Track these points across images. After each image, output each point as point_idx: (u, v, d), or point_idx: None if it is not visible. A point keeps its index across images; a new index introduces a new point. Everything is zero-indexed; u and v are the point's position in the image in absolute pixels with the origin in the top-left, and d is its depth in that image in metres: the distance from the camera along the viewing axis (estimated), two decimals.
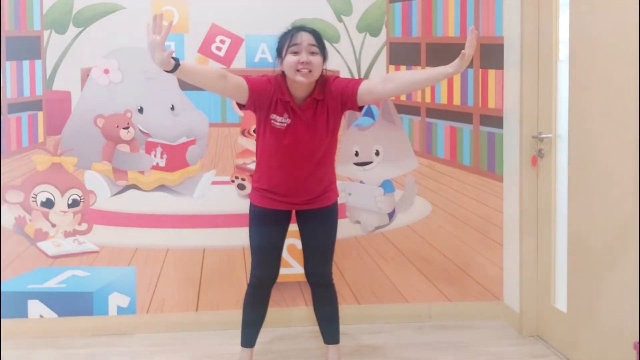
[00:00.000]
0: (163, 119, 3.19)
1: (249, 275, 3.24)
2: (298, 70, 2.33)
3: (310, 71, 2.33)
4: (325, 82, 2.45)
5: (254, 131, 3.23)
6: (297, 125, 2.41)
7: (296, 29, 2.38)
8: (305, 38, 2.34)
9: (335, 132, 2.51)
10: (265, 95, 2.39)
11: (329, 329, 2.69)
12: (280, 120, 2.41)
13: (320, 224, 2.57)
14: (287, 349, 3.00)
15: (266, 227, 2.54)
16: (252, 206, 2.57)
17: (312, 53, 2.34)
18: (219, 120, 3.24)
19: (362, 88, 2.40)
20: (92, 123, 3.14)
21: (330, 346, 2.70)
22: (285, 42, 2.36)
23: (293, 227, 2.63)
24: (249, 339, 2.66)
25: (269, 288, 2.62)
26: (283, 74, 2.42)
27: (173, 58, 2.14)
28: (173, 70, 2.16)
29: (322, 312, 2.68)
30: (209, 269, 3.26)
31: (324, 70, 2.45)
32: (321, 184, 2.52)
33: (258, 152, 2.54)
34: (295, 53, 2.33)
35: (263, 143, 2.48)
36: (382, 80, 2.42)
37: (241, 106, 2.46)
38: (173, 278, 3.24)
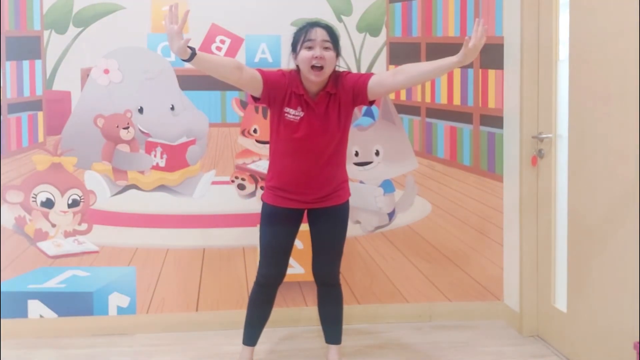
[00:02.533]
0: (163, 119, 3.19)
1: (249, 275, 3.26)
2: (312, 68, 2.37)
3: (322, 69, 2.37)
4: (338, 77, 2.48)
5: (254, 131, 3.25)
6: (310, 119, 2.43)
7: (310, 25, 2.42)
8: (319, 34, 2.38)
9: (347, 129, 2.53)
10: (280, 88, 2.43)
11: (332, 329, 2.70)
12: (293, 113, 2.44)
13: (330, 223, 2.58)
14: (287, 349, 3.00)
15: (277, 226, 2.55)
16: (264, 205, 2.58)
17: (326, 48, 2.38)
18: (219, 120, 3.24)
19: (373, 81, 2.44)
20: (92, 123, 3.14)
21: (332, 346, 2.70)
22: (300, 38, 2.40)
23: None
24: (251, 337, 2.66)
25: (275, 287, 2.62)
26: (297, 69, 2.47)
27: (190, 47, 2.21)
28: (190, 59, 2.23)
29: (326, 312, 2.69)
30: (209, 269, 3.26)
31: (337, 65, 2.48)
32: (333, 181, 2.53)
33: (271, 149, 2.55)
34: (310, 48, 2.37)
35: (277, 138, 2.49)
36: (392, 73, 2.46)
37: (255, 99, 2.49)
38: (173, 278, 3.24)
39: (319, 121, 2.44)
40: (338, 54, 2.44)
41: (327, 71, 2.40)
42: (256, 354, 2.73)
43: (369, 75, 2.47)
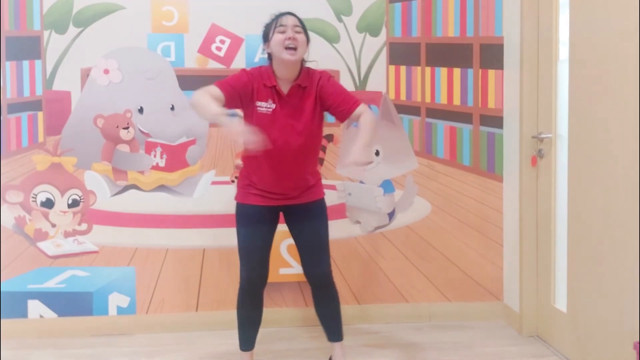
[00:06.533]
0: (163, 119, 3.19)
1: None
2: (286, 49, 2.40)
3: (295, 49, 2.42)
4: (309, 72, 2.51)
5: None
6: (283, 110, 2.45)
7: (281, 14, 2.48)
8: (290, 20, 2.45)
9: (320, 124, 2.54)
10: (245, 89, 2.44)
11: (332, 328, 2.69)
12: (265, 106, 2.46)
13: (308, 221, 2.57)
14: (287, 348, 3.00)
15: (254, 226, 2.53)
16: (238, 206, 2.56)
17: (297, 32, 2.44)
18: None
19: (335, 102, 2.46)
20: (92, 123, 3.15)
21: (335, 344, 2.70)
22: (272, 25, 2.46)
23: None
24: (247, 341, 2.65)
25: (262, 289, 2.60)
26: (270, 60, 2.49)
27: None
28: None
29: (324, 312, 2.68)
30: (209, 269, 3.26)
31: (307, 55, 2.51)
32: (306, 177, 2.54)
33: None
34: (282, 32, 2.43)
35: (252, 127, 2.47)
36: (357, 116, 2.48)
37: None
38: (173, 278, 3.24)
39: (292, 113, 2.45)
40: (308, 40, 2.50)
41: (300, 52, 2.44)
42: (255, 354, 2.73)
43: (353, 105, 2.46)
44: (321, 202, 2.60)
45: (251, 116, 2.47)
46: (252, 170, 2.53)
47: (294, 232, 2.61)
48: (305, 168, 2.53)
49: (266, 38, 2.48)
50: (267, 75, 2.46)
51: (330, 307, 2.67)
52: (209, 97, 2.32)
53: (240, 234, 2.56)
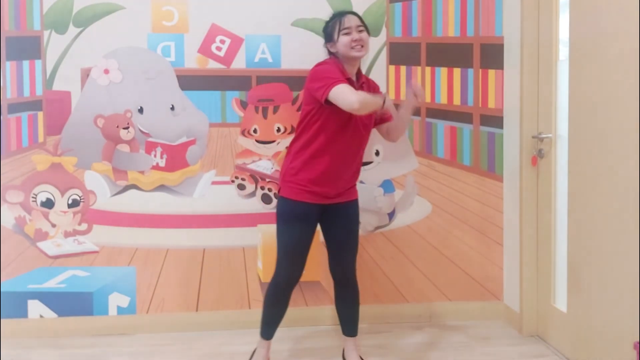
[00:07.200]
0: (163, 119, 3.19)
1: (249, 275, 3.25)
2: (353, 48, 2.49)
3: (363, 46, 2.51)
4: (364, 76, 2.66)
5: (254, 131, 3.25)
6: None
7: (340, 14, 2.56)
8: (352, 20, 2.53)
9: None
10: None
11: (349, 324, 2.73)
12: None
13: (346, 220, 2.60)
14: (287, 348, 3.00)
15: (304, 224, 2.54)
16: (288, 202, 2.52)
17: (360, 31, 2.52)
18: (219, 120, 3.24)
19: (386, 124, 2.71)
20: (92, 123, 3.15)
21: (349, 338, 2.74)
22: (336, 27, 2.53)
23: None
24: (269, 332, 2.68)
25: (294, 287, 2.62)
26: (335, 57, 2.55)
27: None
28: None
29: (344, 309, 2.71)
30: (209, 269, 3.26)
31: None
32: (358, 172, 2.63)
33: (304, 142, 2.50)
34: (347, 34, 2.50)
35: (324, 126, 2.47)
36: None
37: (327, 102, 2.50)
38: (173, 278, 3.24)
39: None
40: (369, 34, 2.59)
41: (366, 49, 2.53)
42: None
43: (391, 117, 2.69)
44: (357, 202, 2.66)
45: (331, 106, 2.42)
46: (314, 165, 2.49)
47: (328, 228, 2.63)
48: (360, 162, 2.63)
49: (330, 38, 2.55)
50: (340, 68, 2.51)
51: (354, 305, 2.71)
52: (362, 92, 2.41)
53: (288, 231, 2.54)
